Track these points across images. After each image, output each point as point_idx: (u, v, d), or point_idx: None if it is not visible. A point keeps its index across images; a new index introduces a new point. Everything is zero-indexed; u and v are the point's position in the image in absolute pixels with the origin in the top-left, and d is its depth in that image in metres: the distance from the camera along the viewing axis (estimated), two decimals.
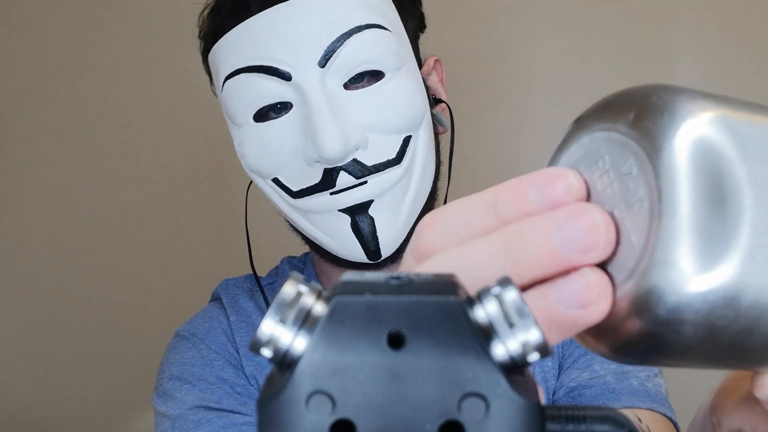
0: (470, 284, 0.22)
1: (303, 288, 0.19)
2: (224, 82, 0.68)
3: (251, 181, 0.74)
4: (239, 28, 0.67)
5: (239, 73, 0.66)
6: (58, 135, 1.57)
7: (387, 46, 0.66)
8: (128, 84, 1.53)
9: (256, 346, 0.18)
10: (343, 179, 0.64)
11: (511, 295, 0.18)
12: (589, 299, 0.21)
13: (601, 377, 0.68)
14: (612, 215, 0.22)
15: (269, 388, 0.18)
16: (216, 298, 0.85)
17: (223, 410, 0.71)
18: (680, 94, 0.22)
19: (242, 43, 0.66)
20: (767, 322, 0.21)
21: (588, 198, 0.23)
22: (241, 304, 0.81)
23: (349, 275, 0.20)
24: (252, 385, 0.75)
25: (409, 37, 0.70)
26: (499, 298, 0.18)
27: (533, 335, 0.18)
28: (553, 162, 0.26)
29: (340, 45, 0.64)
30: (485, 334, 0.18)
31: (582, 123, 0.25)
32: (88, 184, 1.56)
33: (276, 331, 0.18)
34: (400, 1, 0.70)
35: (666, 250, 0.20)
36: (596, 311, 0.21)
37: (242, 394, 0.74)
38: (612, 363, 0.69)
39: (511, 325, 0.18)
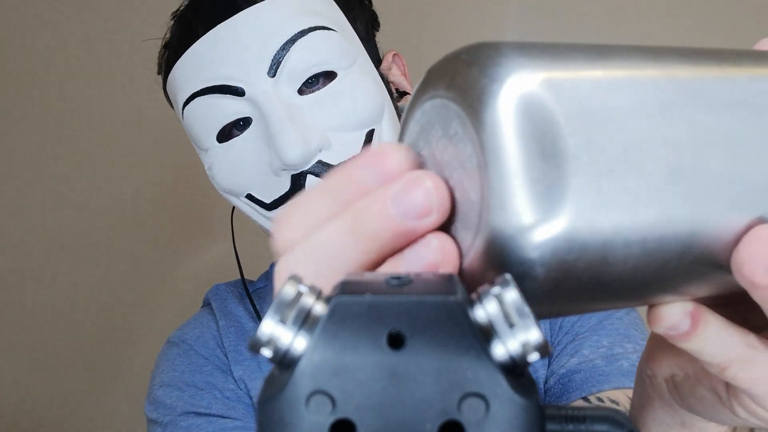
0: (329, 270, 0.23)
1: (303, 288, 0.19)
2: (183, 109, 0.69)
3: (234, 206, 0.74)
4: (188, 53, 0.67)
5: (195, 98, 0.67)
6: (58, 138, 1.56)
7: (334, 45, 0.66)
8: (128, 86, 1.52)
9: (256, 346, 0.18)
10: (312, 182, 0.65)
11: (511, 295, 0.18)
12: (435, 262, 0.22)
13: (590, 361, 0.69)
14: (452, 178, 0.23)
15: (269, 388, 0.18)
16: (207, 304, 0.85)
17: (213, 415, 0.71)
18: (488, 48, 0.22)
19: (193, 67, 0.67)
20: (618, 251, 0.21)
21: (430, 168, 0.24)
22: (230, 308, 0.81)
23: (350, 275, 0.20)
24: (241, 389, 0.75)
25: (359, 35, 0.71)
26: (499, 298, 0.18)
27: (533, 335, 0.18)
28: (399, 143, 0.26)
29: (286, 52, 0.65)
30: (485, 334, 0.18)
31: (413, 99, 0.25)
32: (89, 185, 1.55)
33: (276, 331, 0.18)
34: (345, 2, 0.71)
35: (498, 201, 0.21)
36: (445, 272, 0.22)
37: (231, 399, 0.74)
38: (601, 347, 0.69)
39: (511, 325, 0.18)
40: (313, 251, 0.24)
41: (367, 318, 0.18)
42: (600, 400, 0.65)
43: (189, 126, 0.69)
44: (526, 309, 0.18)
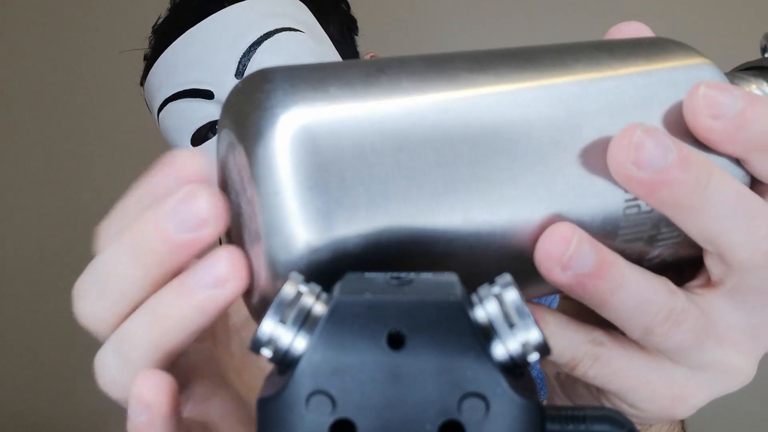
0: (113, 289, 0.23)
1: (303, 288, 0.19)
2: (158, 116, 0.70)
3: None
4: (160, 60, 0.68)
5: (167, 103, 0.68)
6: (62, 138, 1.56)
7: (301, 46, 0.67)
8: (128, 84, 1.53)
9: (256, 346, 0.18)
10: None
11: (511, 295, 0.18)
12: (223, 275, 0.22)
13: None
14: (243, 201, 0.23)
15: (269, 388, 0.18)
16: None
17: None
18: (258, 76, 0.23)
19: (165, 74, 0.68)
20: (390, 263, 0.21)
21: (231, 188, 0.24)
22: None
23: (349, 275, 0.20)
24: None
25: (333, 38, 0.72)
26: (499, 298, 0.18)
27: (533, 335, 0.18)
28: (218, 161, 0.27)
29: (253, 53, 0.66)
30: (485, 334, 0.18)
31: (220, 120, 0.25)
32: (93, 184, 1.56)
33: (276, 331, 0.18)
34: (318, 5, 0.72)
35: (265, 215, 0.21)
36: (234, 285, 0.22)
37: None
38: None
39: (511, 325, 0.18)
40: (97, 270, 0.24)
41: (367, 318, 0.18)
42: None
43: (165, 131, 0.70)
44: (526, 309, 0.18)
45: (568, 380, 0.31)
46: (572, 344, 0.26)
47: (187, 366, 0.28)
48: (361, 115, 0.22)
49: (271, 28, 0.66)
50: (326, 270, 0.21)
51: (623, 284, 0.23)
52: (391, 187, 0.21)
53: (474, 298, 0.19)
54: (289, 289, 0.19)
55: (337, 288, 0.19)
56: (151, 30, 0.77)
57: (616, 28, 0.28)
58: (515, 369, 0.18)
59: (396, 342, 0.18)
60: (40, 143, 1.58)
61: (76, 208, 1.56)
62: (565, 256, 0.22)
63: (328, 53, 0.70)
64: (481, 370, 0.18)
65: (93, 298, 0.24)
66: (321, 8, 0.72)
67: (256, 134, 0.21)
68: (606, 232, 0.24)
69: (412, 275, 0.20)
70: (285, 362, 0.18)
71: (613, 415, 0.18)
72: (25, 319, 1.57)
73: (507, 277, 0.19)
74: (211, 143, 0.67)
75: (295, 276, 0.19)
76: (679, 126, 0.24)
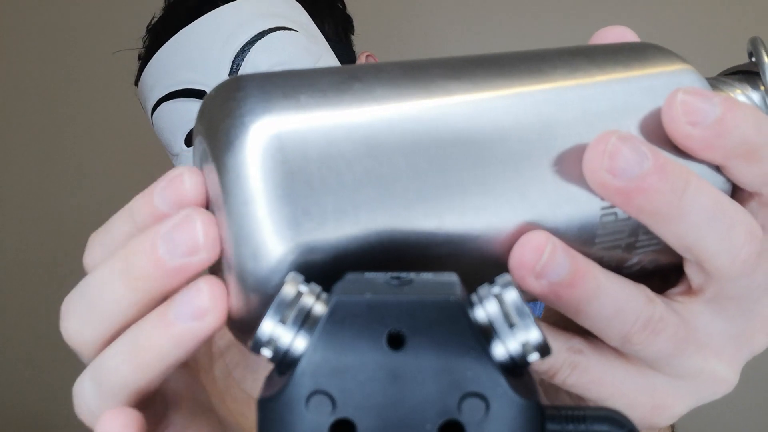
0: (101, 312, 0.23)
1: (303, 288, 0.19)
2: (152, 116, 0.70)
3: None
4: (153, 60, 0.68)
5: (161, 104, 0.68)
6: (64, 138, 1.56)
7: (295, 45, 0.67)
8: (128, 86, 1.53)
9: (256, 346, 0.18)
10: None
11: (511, 295, 0.18)
12: (204, 307, 0.21)
13: None
14: (219, 215, 0.22)
15: (269, 388, 0.18)
16: None
17: None
18: (230, 84, 0.22)
19: (158, 74, 0.68)
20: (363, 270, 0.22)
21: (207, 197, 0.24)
22: None
23: (349, 275, 0.20)
24: None
25: (328, 37, 0.71)
26: (499, 298, 0.18)
27: (533, 335, 0.18)
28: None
29: (246, 53, 0.65)
30: (485, 334, 0.18)
31: (193, 132, 0.25)
32: (90, 181, 1.55)
33: (276, 331, 0.18)
34: (313, 4, 0.71)
35: (234, 224, 0.21)
36: (214, 318, 0.21)
37: None
38: None
39: (511, 325, 0.18)
40: (86, 289, 0.23)
41: (367, 318, 0.18)
42: None
43: (158, 132, 0.70)
44: (526, 309, 0.18)
45: (551, 387, 0.31)
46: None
47: (166, 393, 0.27)
48: (330, 124, 0.22)
49: (265, 28, 0.66)
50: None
51: (599, 293, 0.23)
52: (360, 195, 0.21)
53: (474, 298, 0.19)
54: (289, 289, 0.19)
55: (336, 288, 0.19)
56: (145, 30, 0.76)
57: (600, 33, 0.28)
58: (515, 369, 0.18)
59: (396, 342, 0.18)
60: (33, 144, 1.58)
61: (70, 209, 1.56)
62: (539, 264, 0.22)
63: (323, 53, 0.69)
64: (481, 370, 0.18)
65: (79, 319, 0.23)
66: (316, 7, 0.72)
67: (226, 143, 0.21)
68: (583, 240, 0.23)
69: (412, 275, 0.20)
70: (285, 362, 0.18)
71: (614, 415, 0.18)
72: (24, 320, 1.56)
73: (507, 277, 0.19)
74: None
75: (295, 276, 0.19)
76: (657, 133, 0.23)
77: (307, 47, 0.67)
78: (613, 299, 0.23)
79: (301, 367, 0.18)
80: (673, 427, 0.56)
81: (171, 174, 0.23)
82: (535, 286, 0.22)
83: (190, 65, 0.66)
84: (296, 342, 0.18)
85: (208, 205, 0.24)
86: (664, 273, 0.26)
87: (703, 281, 0.24)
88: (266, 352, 0.18)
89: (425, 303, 0.18)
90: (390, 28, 1.44)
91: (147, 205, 0.23)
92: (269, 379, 0.19)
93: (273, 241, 0.21)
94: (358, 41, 0.79)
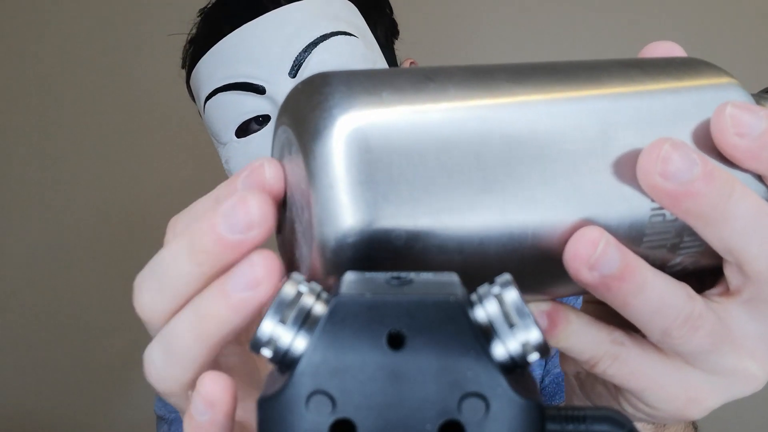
0: (168, 284, 0.25)
1: (303, 288, 0.19)
2: (205, 103, 0.70)
3: None
4: (213, 51, 0.69)
5: (217, 93, 0.69)
6: (74, 135, 1.56)
7: (354, 50, 0.68)
8: (136, 89, 1.53)
9: (256, 346, 0.18)
10: None
11: (511, 295, 0.18)
12: (258, 277, 0.23)
13: None
14: (298, 198, 0.25)
15: (269, 388, 0.18)
16: None
17: None
18: (318, 79, 0.24)
19: (217, 64, 0.69)
20: (435, 257, 0.23)
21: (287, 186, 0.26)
22: None
23: (349, 275, 0.20)
24: None
25: (379, 42, 0.72)
26: (499, 298, 0.18)
27: (533, 335, 0.18)
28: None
29: (308, 54, 0.66)
30: (485, 334, 0.18)
31: (275, 124, 0.27)
32: (101, 183, 1.56)
33: (276, 331, 0.18)
34: (367, 8, 0.73)
35: (319, 221, 0.23)
36: (267, 288, 0.23)
37: None
38: None
39: (511, 325, 0.18)
40: (156, 265, 0.25)
41: (367, 318, 0.18)
42: None
43: (209, 120, 0.71)
44: (526, 309, 0.18)
45: (588, 379, 0.32)
46: (593, 343, 0.27)
47: (225, 367, 0.29)
48: (409, 119, 0.23)
49: (327, 31, 0.67)
50: (370, 259, 0.23)
51: (645, 287, 0.24)
52: (433, 185, 0.23)
53: (474, 298, 0.19)
54: (289, 289, 0.19)
55: (336, 288, 0.19)
56: (198, 13, 0.77)
57: (650, 47, 0.30)
58: (515, 369, 0.18)
59: (396, 342, 0.18)
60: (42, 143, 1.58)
61: (73, 208, 1.56)
62: (593, 257, 0.23)
63: (377, 58, 0.70)
64: (481, 370, 0.18)
65: (151, 292, 0.25)
66: (370, 12, 0.73)
67: (314, 133, 0.23)
68: (632, 238, 0.25)
69: (412, 275, 0.20)
70: (285, 362, 0.18)
71: (613, 415, 0.18)
72: (25, 320, 1.57)
73: (507, 277, 0.19)
74: (256, 136, 0.68)
75: (296, 276, 0.19)
76: (705, 142, 0.25)
77: (364, 53, 0.68)
78: (658, 294, 0.24)
79: (301, 367, 0.18)
80: (695, 424, 0.57)
81: (253, 164, 0.26)
82: (588, 277, 0.24)
83: (250, 60, 0.67)
84: (296, 342, 0.18)
85: (286, 191, 0.26)
86: (702, 274, 0.28)
87: (741, 283, 0.26)
88: (266, 352, 0.18)
89: (425, 303, 0.18)
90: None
91: (231, 190, 0.26)
92: (270, 379, 0.19)
93: (353, 222, 0.22)
94: (397, 47, 0.79)
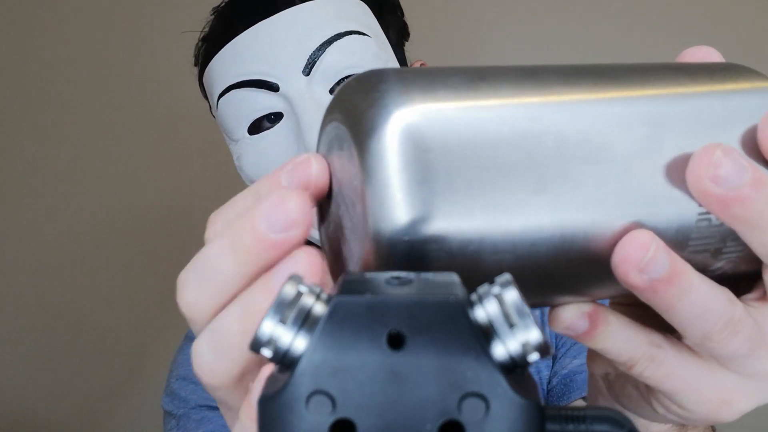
0: (210, 282, 0.25)
1: (303, 288, 0.19)
2: (218, 100, 0.71)
3: None
4: (227, 48, 0.70)
5: (230, 90, 0.69)
6: (86, 137, 1.57)
7: (367, 50, 0.68)
8: (152, 91, 1.53)
9: (256, 346, 0.18)
10: None
11: (511, 295, 0.18)
12: (300, 274, 0.23)
13: None
14: (348, 194, 0.25)
15: (269, 388, 0.18)
16: None
17: None
18: (372, 76, 0.25)
19: (231, 61, 0.69)
20: (488, 257, 0.23)
21: (333, 183, 0.26)
22: None
23: (349, 275, 0.20)
24: None
25: (391, 42, 0.73)
26: (499, 298, 0.18)
27: (533, 335, 0.18)
28: None
29: (322, 53, 0.67)
30: (485, 334, 0.18)
31: (322, 121, 0.27)
32: (112, 183, 1.56)
33: (276, 331, 0.18)
34: (379, 9, 0.73)
35: (373, 216, 0.23)
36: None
37: None
38: None
39: (511, 326, 0.18)
40: (199, 263, 0.26)
41: (367, 318, 0.18)
42: None
43: (222, 117, 0.71)
44: (526, 309, 0.18)
45: (618, 381, 0.33)
46: (632, 344, 0.28)
47: None
48: (464, 117, 0.24)
49: (341, 30, 0.67)
50: (424, 258, 0.23)
51: (690, 291, 0.25)
52: (488, 184, 0.23)
53: (474, 298, 0.19)
54: (289, 289, 0.19)
55: (336, 288, 0.19)
56: (211, 11, 0.78)
57: (688, 52, 0.30)
58: (515, 369, 0.18)
59: (396, 342, 0.18)
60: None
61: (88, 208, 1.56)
62: (643, 261, 0.24)
63: (389, 59, 0.71)
64: (481, 370, 0.18)
65: (195, 290, 0.26)
66: (382, 12, 0.74)
67: (370, 129, 0.23)
68: (677, 242, 0.25)
69: (412, 275, 0.20)
70: (285, 362, 0.18)
71: (613, 415, 0.18)
72: (45, 318, 1.57)
73: (507, 277, 0.19)
74: (268, 134, 0.69)
75: (296, 276, 0.19)
76: (751, 147, 0.26)
77: (377, 53, 0.69)
78: (702, 298, 0.25)
79: (301, 367, 0.18)
80: (713, 427, 0.57)
81: (298, 159, 0.26)
82: (637, 280, 0.24)
83: (264, 58, 0.67)
84: (296, 342, 0.18)
85: (331, 186, 0.26)
86: (737, 279, 0.28)
87: None
88: (266, 352, 0.18)
89: (425, 303, 0.18)
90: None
91: (272, 186, 0.26)
92: (270, 379, 0.19)
93: (408, 220, 0.22)
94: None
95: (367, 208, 0.23)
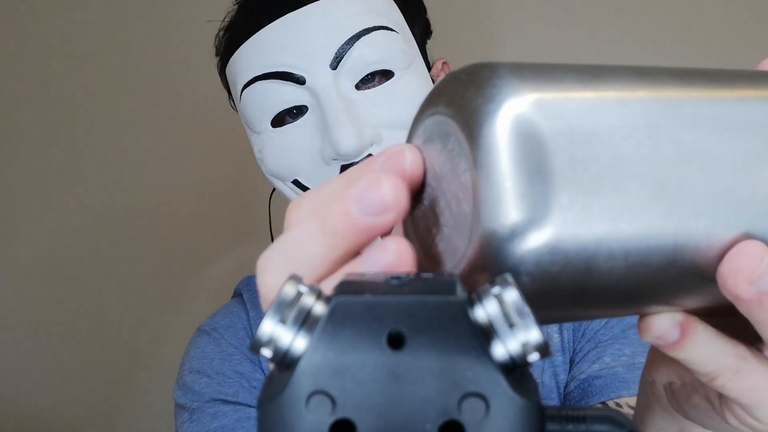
0: (295, 261, 0.25)
1: (303, 288, 0.19)
2: (242, 91, 0.70)
3: (273, 189, 0.75)
4: (253, 39, 0.69)
5: (255, 81, 0.69)
6: (90, 135, 1.57)
7: (395, 46, 0.68)
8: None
9: (256, 346, 0.18)
10: None
11: (511, 295, 0.18)
12: (390, 263, 0.23)
13: (611, 368, 0.69)
14: (449, 190, 0.24)
15: (269, 388, 0.18)
16: (238, 294, 0.86)
17: (239, 404, 0.73)
18: (484, 69, 0.24)
19: (257, 53, 0.69)
20: (601, 263, 0.22)
21: (430, 179, 0.26)
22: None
23: (349, 275, 0.20)
24: None
25: (416, 39, 0.72)
26: (499, 298, 0.18)
27: (533, 335, 0.18)
28: None
29: (350, 47, 0.66)
30: (485, 334, 0.18)
31: (417, 114, 0.27)
32: (120, 179, 1.56)
33: (276, 331, 0.18)
34: (405, 6, 0.73)
35: (487, 214, 0.22)
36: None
37: (258, 389, 0.75)
38: (623, 356, 0.70)
39: (511, 325, 0.18)
40: (286, 245, 0.25)
41: (367, 318, 0.18)
42: (618, 405, 0.65)
43: (245, 107, 0.71)
44: (526, 309, 0.18)
45: (683, 390, 0.32)
46: (718, 356, 0.27)
47: None
48: (585, 114, 0.23)
49: (370, 25, 0.67)
50: (539, 261, 0.22)
51: None
52: (609, 184, 0.22)
53: (474, 298, 0.19)
54: (289, 289, 0.19)
55: (336, 288, 0.19)
56: (234, 1, 0.77)
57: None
58: (515, 369, 0.18)
59: (396, 342, 0.18)
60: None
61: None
62: (755, 272, 0.23)
63: (415, 56, 0.71)
64: (481, 370, 0.18)
65: (278, 271, 0.25)
66: (407, 9, 0.73)
67: (487, 125, 0.22)
68: None
69: (412, 275, 0.20)
70: (285, 362, 0.18)
71: (613, 415, 0.18)
72: (53, 316, 1.57)
73: (507, 277, 0.19)
74: (292, 127, 0.68)
75: (296, 276, 0.19)
76: None
77: (404, 49, 0.69)
78: None
79: (301, 367, 0.18)
80: None
81: (391, 149, 0.25)
82: (745, 292, 0.24)
83: (292, 50, 0.67)
84: (296, 342, 0.18)
85: (424, 181, 0.26)
86: None
87: None
88: (266, 352, 0.18)
89: (425, 303, 0.18)
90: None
91: (365, 173, 0.25)
92: (269, 379, 0.19)
93: (526, 222, 0.22)
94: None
95: (479, 206, 0.22)
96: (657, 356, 0.34)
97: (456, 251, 0.24)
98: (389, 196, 0.23)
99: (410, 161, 0.25)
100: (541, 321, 0.24)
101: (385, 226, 0.23)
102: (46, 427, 1.56)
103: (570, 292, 0.23)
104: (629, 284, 0.23)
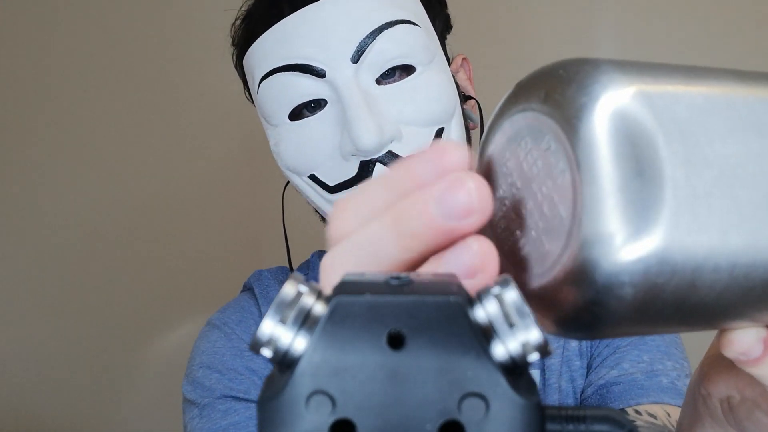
0: (368, 263, 0.23)
1: (303, 288, 0.19)
2: (260, 83, 0.69)
3: (287, 183, 0.74)
4: (272, 30, 0.68)
5: (274, 73, 0.67)
6: (83, 133, 1.57)
7: (417, 40, 0.67)
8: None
9: (256, 346, 0.18)
10: (380, 171, 0.65)
11: (511, 295, 0.18)
12: (474, 266, 0.22)
13: (630, 374, 0.69)
14: (541, 191, 0.23)
15: (269, 388, 0.18)
16: (248, 288, 0.85)
17: (251, 401, 0.72)
18: (586, 65, 0.23)
19: (276, 44, 0.67)
20: (706, 275, 0.21)
21: (516, 179, 0.24)
22: (272, 294, 0.81)
23: (349, 275, 0.20)
24: None
25: (436, 34, 0.72)
26: (499, 298, 0.18)
27: (533, 335, 0.18)
28: (481, 153, 0.26)
29: (372, 41, 0.65)
30: (485, 334, 0.18)
31: (501, 110, 0.25)
32: (117, 181, 1.56)
33: (276, 331, 0.18)
34: (427, 1, 0.72)
35: (590, 219, 0.21)
36: (484, 278, 0.22)
37: None
38: (641, 362, 0.70)
39: (511, 325, 0.18)
40: (356, 247, 0.24)
41: (367, 318, 0.18)
42: (638, 412, 0.64)
43: (262, 99, 0.70)
44: (526, 309, 0.18)
45: (743, 406, 0.32)
46: None
47: None
48: (692, 114, 0.22)
49: (392, 18, 0.66)
50: (646, 270, 0.21)
51: None
52: (721, 193, 0.21)
53: (474, 298, 0.19)
54: (289, 289, 0.19)
55: (336, 288, 0.19)
56: None
57: None
58: (515, 369, 0.18)
59: (396, 342, 0.18)
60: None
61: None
62: None
63: (436, 50, 0.69)
64: (481, 370, 0.18)
65: (348, 268, 0.24)
66: (429, 4, 0.72)
67: (590, 121, 0.21)
68: None
69: (412, 275, 0.20)
70: (285, 362, 0.18)
71: (613, 415, 0.18)
72: (41, 318, 1.57)
73: (507, 277, 0.19)
74: (311, 121, 0.67)
75: (296, 275, 0.19)
76: None
77: (426, 44, 0.68)
78: None
79: (301, 367, 0.18)
80: None
81: (437, 146, 0.24)
82: None
83: (312, 42, 0.66)
84: (296, 342, 0.18)
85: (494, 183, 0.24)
86: None
87: None
88: (266, 352, 0.18)
89: (425, 303, 0.18)
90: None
91: (411, 174, 0.24)
92: (269, 379, 0.19)
93: (635, 230, 0.20)
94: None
95: (580, 210, 0.21)
96: (713, 370, 0.33)
97: (547, 256, 0.22)
98: (474, 198, 0.21)
99: (455, 156, 0.23)
100: (623, 334, 0.23)
101: (468, 231, 0.22)
102: (46, 427, 1.55)
103: (669, 307, 0.22)
104: (728, 299, 0.22)
